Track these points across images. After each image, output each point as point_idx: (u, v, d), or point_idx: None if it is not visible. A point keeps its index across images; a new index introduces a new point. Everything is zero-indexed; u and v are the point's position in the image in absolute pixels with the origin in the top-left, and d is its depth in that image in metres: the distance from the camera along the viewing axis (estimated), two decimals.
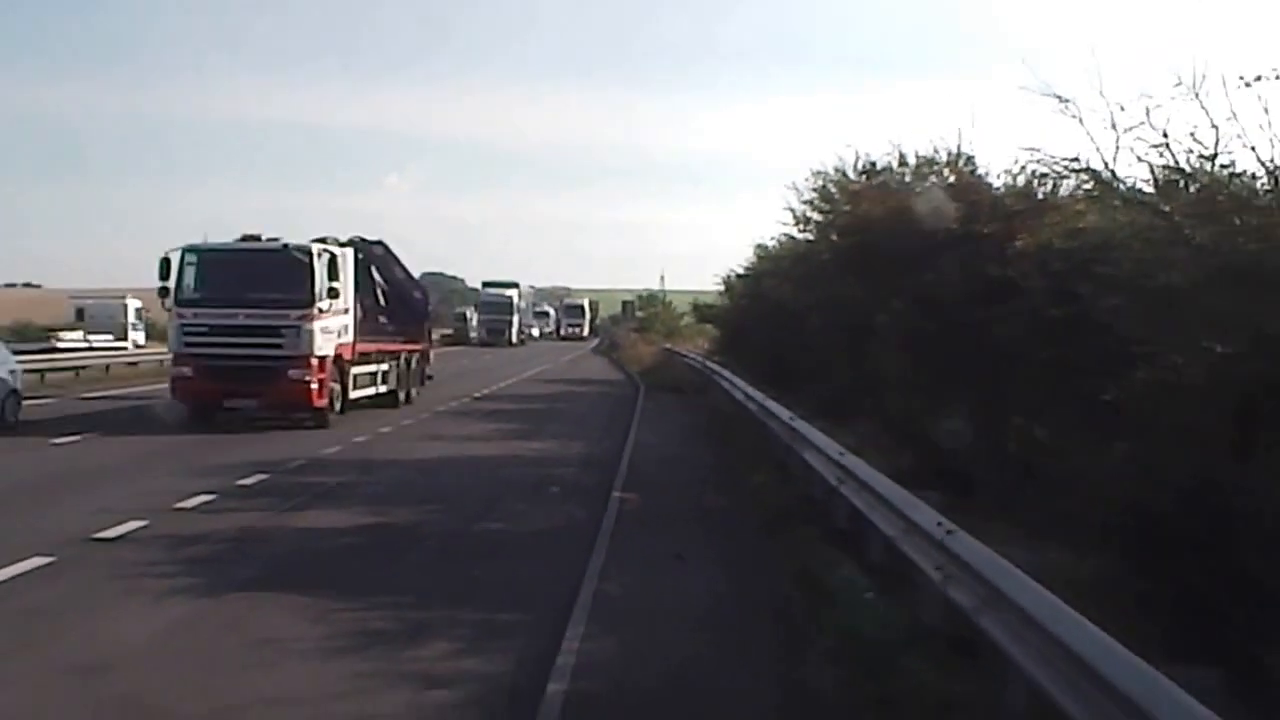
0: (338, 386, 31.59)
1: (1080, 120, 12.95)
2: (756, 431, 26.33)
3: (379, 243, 38.25)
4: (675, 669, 10.35)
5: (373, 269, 37.11)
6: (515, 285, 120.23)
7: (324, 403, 30.32)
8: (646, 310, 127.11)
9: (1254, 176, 10.45)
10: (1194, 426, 9.60)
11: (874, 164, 24.72)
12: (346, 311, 31.98)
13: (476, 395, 43.59)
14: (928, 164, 22.38)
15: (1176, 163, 11.33)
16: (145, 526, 15.53)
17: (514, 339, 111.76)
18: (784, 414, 21.31)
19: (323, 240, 32.04)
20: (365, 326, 34.24)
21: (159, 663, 10.06)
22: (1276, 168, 10.00)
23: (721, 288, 57.96)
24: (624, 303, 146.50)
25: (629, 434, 31.08)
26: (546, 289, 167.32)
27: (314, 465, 22.61)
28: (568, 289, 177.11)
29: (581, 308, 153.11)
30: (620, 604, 12.47)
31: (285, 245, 30.90)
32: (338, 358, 31.44)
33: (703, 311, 79.33)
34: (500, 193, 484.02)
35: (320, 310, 29.94)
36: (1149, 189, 12.32)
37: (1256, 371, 8.96)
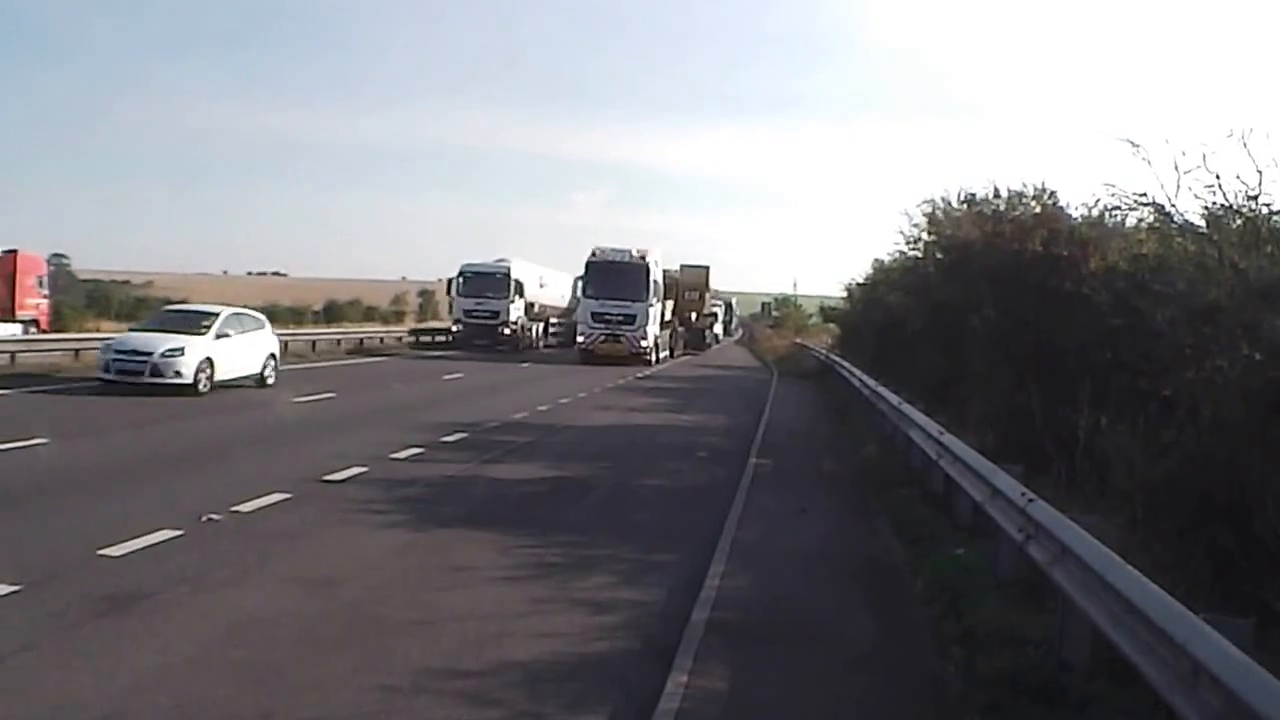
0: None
1: (1149, 162, 12.72)
2: (866, 411, 26.17)
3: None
4: (798, 603, 10.40)
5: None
6: None
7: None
8: (781, 310, 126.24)
9: None
10: (1230, 418, 9.44)
11: (973, 195, 24.39)
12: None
13: (639, 375, 43.73)
14: (1017, 196, 22.02)
15: (1226, 200, 11.12)
16: (366, 472, 15.88)
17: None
18: (893, 398, 21.15)
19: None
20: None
21: (375, 580, 10.30)
22: None
23: (844, 294, 57.39)
24: (762, 304, 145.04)
25: (764, 411, 31.08)
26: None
27: (505, 427, 22.88)
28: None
29: (643, 270, 51.39)
30: (754, 547, 12.52)
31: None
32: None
33: (827, 313, 78.86)
34: (659, 208, 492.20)
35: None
36: (1201, 222, 12.09)
37: None
